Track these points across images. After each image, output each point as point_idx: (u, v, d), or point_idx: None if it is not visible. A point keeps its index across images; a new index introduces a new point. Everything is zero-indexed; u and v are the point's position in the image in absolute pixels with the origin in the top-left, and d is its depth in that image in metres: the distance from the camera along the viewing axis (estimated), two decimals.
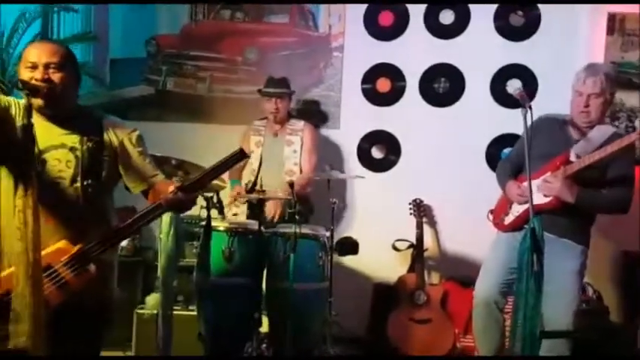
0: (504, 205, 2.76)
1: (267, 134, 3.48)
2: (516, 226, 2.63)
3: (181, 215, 2.74)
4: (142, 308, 3.21)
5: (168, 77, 3.91)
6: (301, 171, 3.38)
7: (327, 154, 3.77)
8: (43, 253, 1.65)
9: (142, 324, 3.14)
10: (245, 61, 3.86)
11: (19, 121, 1.71)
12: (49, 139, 1.80)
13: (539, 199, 2.48)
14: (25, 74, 1.75)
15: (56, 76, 1.76)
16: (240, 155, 1.77)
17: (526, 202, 2.37)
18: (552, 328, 2.53)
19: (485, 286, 2.71)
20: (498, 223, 2.77)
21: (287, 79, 3.46)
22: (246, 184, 3.37)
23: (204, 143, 3.61)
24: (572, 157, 2.52)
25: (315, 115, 3.80)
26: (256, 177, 3.37)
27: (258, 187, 2.91)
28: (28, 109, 1.61)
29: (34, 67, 1.75)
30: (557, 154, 2.55)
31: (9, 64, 3.48)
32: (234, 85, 3.87)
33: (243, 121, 3.71)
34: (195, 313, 3.04)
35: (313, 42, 3.83)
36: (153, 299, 3.12)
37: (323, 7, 3.83)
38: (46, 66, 1.75)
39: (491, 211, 2.86)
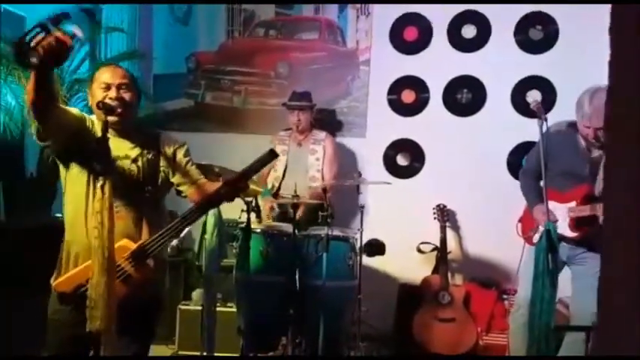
0: (532, 219, 2.90)
1: (291, 143, 3.72)
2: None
3: (223, 218, 3.01)
4: (185, 305, 3.47)
5: (206, 91, 4.20)
6: (323, 178, 3.61)
7: (355, 161, 4.00)
8: None
9: (186, 319, 3.40)
10: (277, 76, 4.12)
11: (95, 134, 2.00)
12: (117, 150, 2.05)
13: (566, 230, 2.69)
14: (99, 94, 2.02)
15: (127, 95, 2.04)
16: (271, 155, 2.02)
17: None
18: (579, 318, 2.72)
19: (526, 291, 2.78)
20: (527, 239, 2.92)
21: (309, 92, 3.70)
22: (270, 190, 3.62)
23: (239, 151, 3.86)
24: (597, 192, 2.69)
25: (342, 124, 4.04)
26: (280, 183, 3.61)
27: (292, 193, 3.12)
28: (106, 125, 1.88)
29: (108, 87, 2.02)
30: (576, 173, 2.72)
31: (64, 80, 3.81)
32: (268, 97, 4.13)
33: (275, 131, 3.96)
34: (232, 309, 3.29)
35: (341, 56, 4.07)
36: (197, 294, 3.37)
37: (351, 23, 4.07)
38: (119, 87, 2.02)
39: (520, 220, 3.01)
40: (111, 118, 1.97)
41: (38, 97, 1.75)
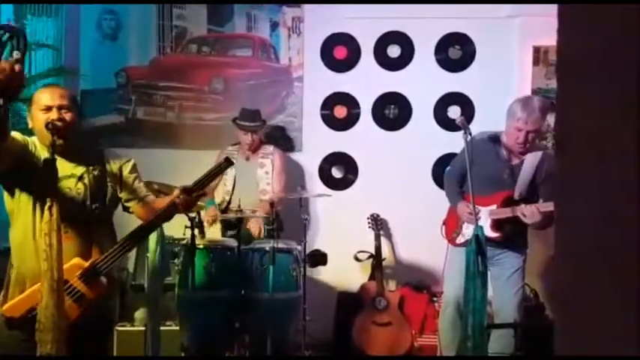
0: (455, 220, 3.14)
1: (239, 158, 3.76)
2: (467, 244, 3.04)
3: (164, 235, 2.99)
4: (122, 326, 3.38)
5: (138, 106, 4.13)
6: (273, 191, 3.68)
7: (292, 174, 4.09)
8: None
9: (124, 341, 3.30)
10: (212, 91, 4.13)
11: (41, 156, 1.96)
12: (62, 170, 2.03)
13: (488, 231, 2.92)
14: (40, 116, 1.99)
15: (68, 116, 2.03)
16: (227, 164, 2.10)
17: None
18: (501, 314, 2.98)
19: (452, 290, 3.03)
20: (450, 240, 3.16)
21: (259, 111, 3.77)
22: (219, 205, 3.64)
23: (175, 167, 3.84)
24: (516, 196, 2.96)
25: (279, 139, 4.13)
26: (230, 197, 3.64)
27: (235, 207, 3.17)
28: (53, 147, 1.86)
29: (49, 109, 2.00)
30: (497, 178, 2.98)
31: None
32: (203, 112, 4.13)
33: (211, 146, 3.98)
34: (171, 327, 3.25)
35: (275, 73, 4.16)
36: (141, 314, 3.30)
37: (283, 41, 4.18)
38: (59, 108, 2.01)
39: (444, 223, 3.25)
40: (58, 140, 1.95)
41: None
